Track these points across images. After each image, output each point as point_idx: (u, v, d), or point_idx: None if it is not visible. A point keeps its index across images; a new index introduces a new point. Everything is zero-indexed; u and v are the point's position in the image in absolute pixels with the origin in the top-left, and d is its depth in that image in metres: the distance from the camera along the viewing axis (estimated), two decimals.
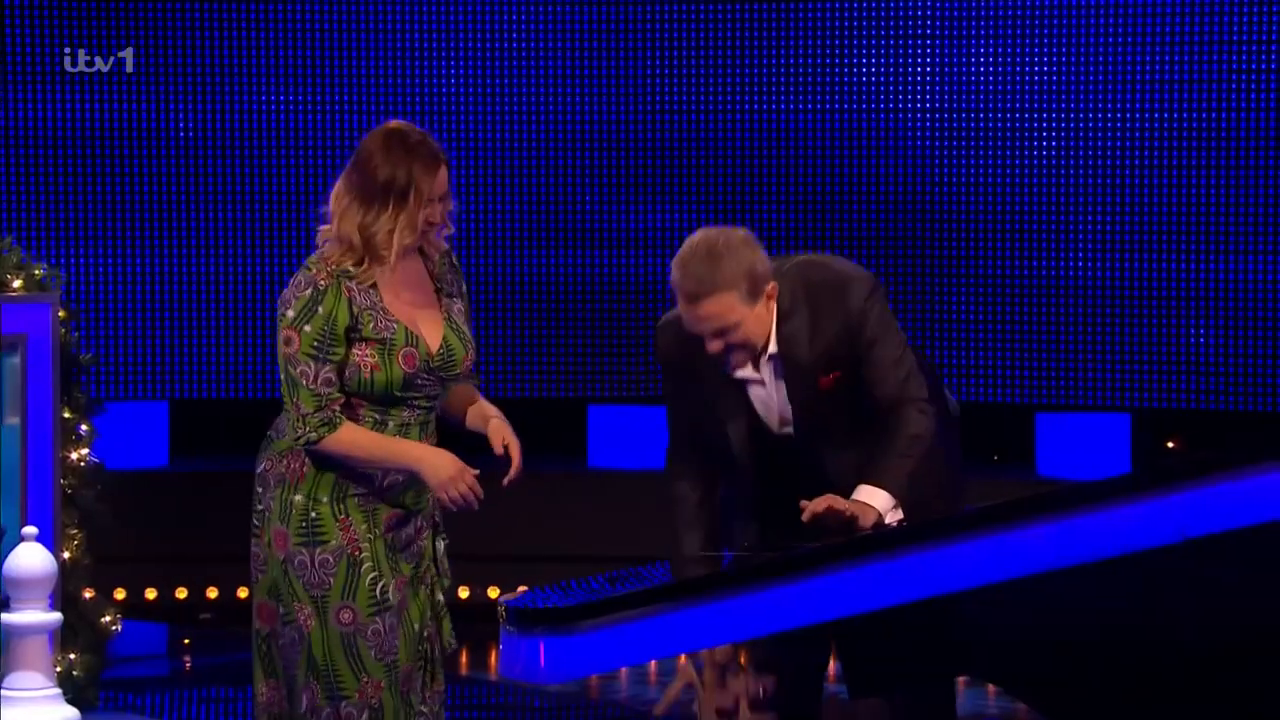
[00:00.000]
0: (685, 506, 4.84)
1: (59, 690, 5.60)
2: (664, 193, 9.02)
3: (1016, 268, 8.78)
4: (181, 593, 8.90)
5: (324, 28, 8.94)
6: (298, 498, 4.61)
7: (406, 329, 4.58)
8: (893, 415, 4.75)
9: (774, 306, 4.71)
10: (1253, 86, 8.46)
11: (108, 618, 6.73)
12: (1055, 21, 8.67)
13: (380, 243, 4.53)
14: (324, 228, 4.63)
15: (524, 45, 8.98)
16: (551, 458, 9.03)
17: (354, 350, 4.55)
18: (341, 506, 4.60)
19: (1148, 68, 8.59)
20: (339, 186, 4.61)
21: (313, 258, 4.62)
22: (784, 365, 4.76)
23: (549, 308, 9.08)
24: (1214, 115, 8.53)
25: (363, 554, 4.59)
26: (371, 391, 4.57)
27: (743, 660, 4.77)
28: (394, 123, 4.63)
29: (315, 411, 4.53)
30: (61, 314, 6.57)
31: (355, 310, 4.54)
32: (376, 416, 4.60)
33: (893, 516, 4.69)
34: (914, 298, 8.78)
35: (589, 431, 9.19)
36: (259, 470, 4.70)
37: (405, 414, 4.61)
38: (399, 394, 4.58)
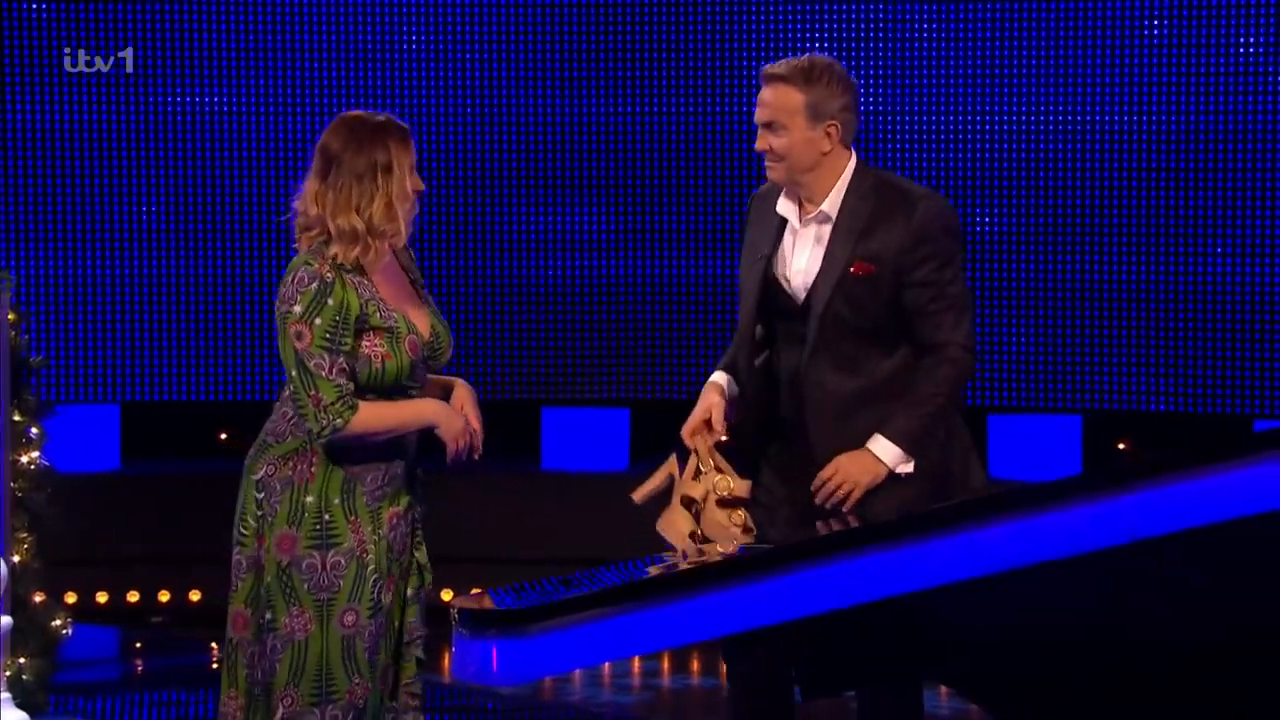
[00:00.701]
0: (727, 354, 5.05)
1: (8, 694, 5.58)
2: (610, 198, 9.02)
3: (966, 272, 8.81)
4: (133, 596, 8.87)
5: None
6: (309, 499, 4.64)
7: (403, 317, 4.66)
8: (930, 357, 4.81)
9: (829, 150, 4.84)
10: (1202, 89, 8.50)
11: (58, 621, 6.70)
12: (1016, 24, 8.70)
13: (380, 219, 4.59)
14: (310, 233, 4.65)
15: (499, 51, 8.99)
16: (506, 460, 9.03)
17: (361, 342, 4.60)
18: (352, 507, 4.64)
19: (1099, 71, 8.63)
20: (312, 188, 4.63)
21: (306, 255, 4.63)
22: (833, 230, 4.85)
23: (501, 310, 9.07)
24: (1160, 119, 8.57)
25: (369, 556, 4.65)
26: (382, 381, 4.63)
27: (719, 461, 4.78)
28: (348, 113, 4.69)
29: (336, 400, 4.57)
30: (11, 316, 6.53)
31: (361, 301, 4.60)
32: None
33: (904, 468, 4.76)
34: None
35: (542, 434, 9.19)
36: (258, 477, 4.71)
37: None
38: (405, 381, 4.65)
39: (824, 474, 4.77)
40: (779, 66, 4.87)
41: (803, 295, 4.86)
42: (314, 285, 4.58)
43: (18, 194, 8.87)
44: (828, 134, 4.85)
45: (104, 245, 8.95)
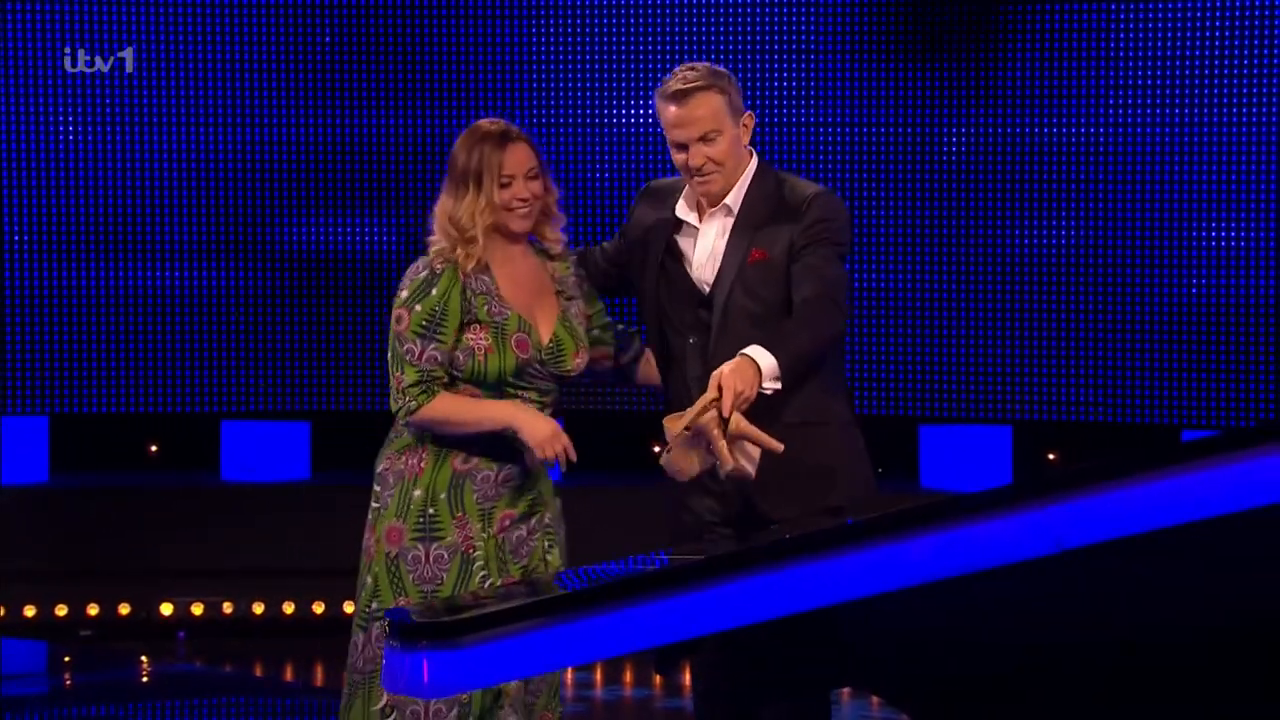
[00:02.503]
0: None
1: None
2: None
3: (897, 282, 8.84)
4: (61, 610, 8.81)
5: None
6: (417, 493, 4.76)
7: (520, 316, 4.78)
8: (801, 303, 4.81)
9: (746, 144, 4.90)
10: (1125, 100, 8.56)
11: None
12: (965, 39, 8.75)
13: (466, 225, 4.75)
14: (432, 238, 4.84)
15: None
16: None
17: (467, 334, 4.74)
18: (459, 503, 4.76)
19: (1030, 86, 8.68)
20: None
21: (430, 251, 4.81)
22: (734, 223, 4.90)
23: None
24: (1082, 133, 8.62)
25: (476, 552, 4.76)
26: (484, 376, 4.75)
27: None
28: (480, 119, 4.89)
29: (415, 384, 4.71)
30: None
31: (469, 294, 4.74)
32: None
33: (771, 386, 4.71)
34: None
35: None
36: (378, 470, 4.85)
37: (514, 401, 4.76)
38: (511, 380, 4.76)
39: (712, 387, 4.59)
40: (685, 81, 4.85)
41: (706, 287, 4.90)
42: (423, 274, 4.77)
43: None
44: (745, 127, 4.91)
45: (34, 255, 8.89)
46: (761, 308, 4.86)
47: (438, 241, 4.81)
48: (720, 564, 3.62)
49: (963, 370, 8.82)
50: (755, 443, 4.58)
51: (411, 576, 4.75)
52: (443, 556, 4.75)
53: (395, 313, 4.76)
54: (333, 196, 8.96)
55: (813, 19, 8.81)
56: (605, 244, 5.22)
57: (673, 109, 4.86)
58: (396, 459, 4.82)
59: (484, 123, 4.85)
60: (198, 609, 8.83)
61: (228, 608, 8.86)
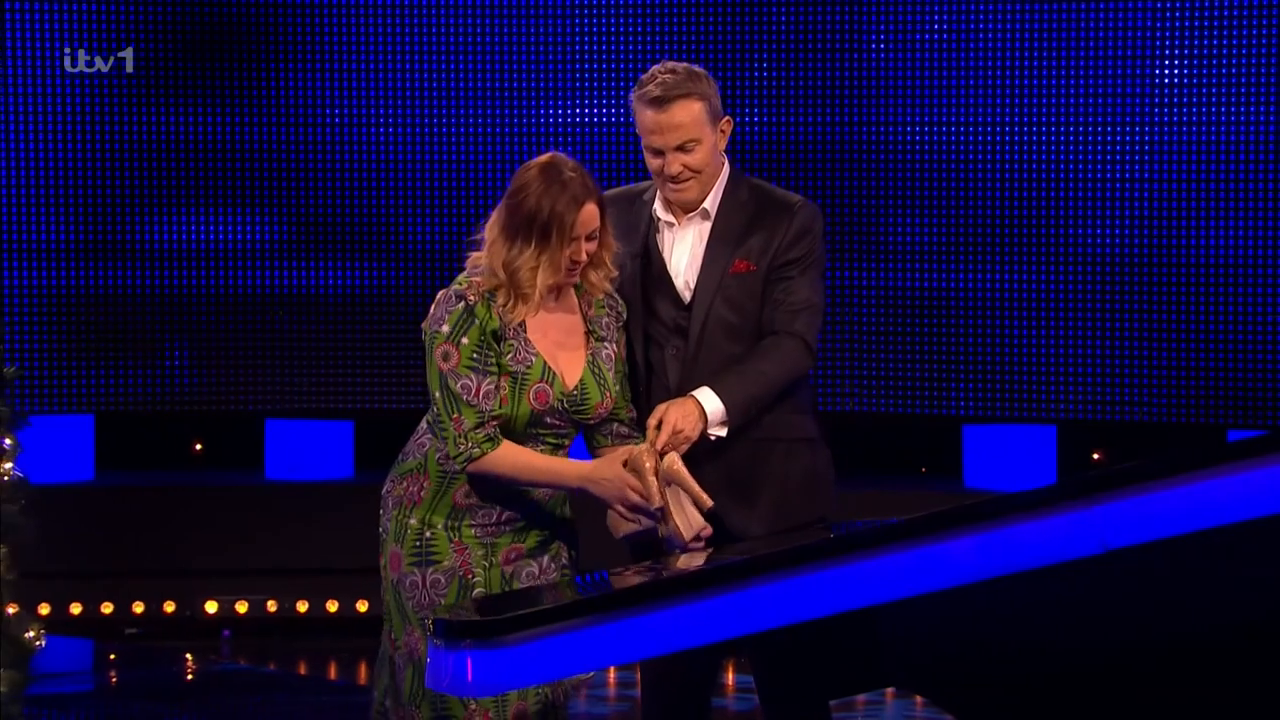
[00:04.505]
0: None
1: None
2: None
3: (942, 282, 8.82)
4: (107, 608, 8.84)
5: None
6: (412, 520, 4.54)
7: (545, 364, 4.50)
8: (772, 339, 4.78)
9: (722, 149, 4.80)
10: (1176, 99, 8.53)
11: (31, 633, 6.67)
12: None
13: (524, 280, 4.45)
14: (475, 254, 4.55)
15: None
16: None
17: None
18: (456, 533, 4.53)
19: (1046, 79, 8.65)
20: (493, 215, 4.53)
21: (461, 278, 4.53)
22: (712, 229, 4.82)
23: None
24: (1126, 127, 8.59)
25: (475, 577, 4.52)
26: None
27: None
28: (550, 154, 4.54)
29: (477, 427, 4.44)
30: None
31: (501, 332, 4.47)
32: None
33: (716, 431, 4.68)
34: (842, 312, 8.81)
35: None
36: (383, 492, 4.65)
37: (523, 442, 4.52)
38: (522, 429, 4.50)
39: (653, 421, 4.60)
40: (664, 86, 4.72)
41: (687, 293, 4.84)
42: (460, 305, 4.46)
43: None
44: (723, 132, 4.82)
45: (82, 254, 8.92)
46: (740, 319, 4.81)
47: (481, 276, 4.50)
48: (765, 563, 3.62)
49: (1007, 369, 8.79)
50: (684, 489, 4.48)
51: (411, 604, 4.53)
52: (439, 581, 4.52)
53: (440, 349, 4.44)
54: (367, 194, 8.97)
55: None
56: None
57: (650, 114, 4.72)
58: (399, 483, 4.60)
59: (565, 166, 4.47)
60: (242, 607, 8.86)
61: (272, 606, 8.89)
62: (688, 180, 4.77)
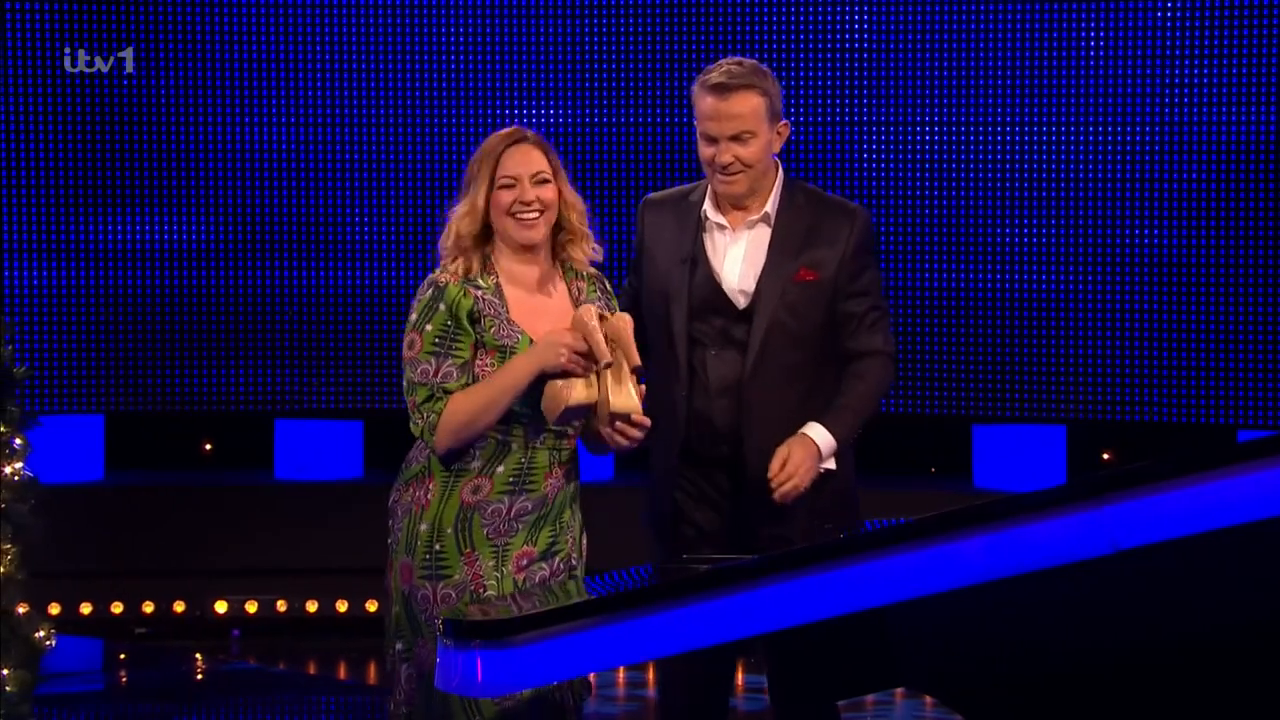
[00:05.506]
0: None
1: None
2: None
3: (952, 282, 8.82)
4: (117, 607, 8.85)
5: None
6: (423, 527, 4.47)
7: (530, 340, 4.45)
8: (862, 361, 4.80)
9: (776, 152, 4.78)
10: (1182, 99, 8.52)
11: (41, 633, 6.68)
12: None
13: (463, 230, 4.47)
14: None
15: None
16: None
17: (477, 358, 4.45)
18: (467, 539, 4.46)
19: (1046, 79, 8.65)
20: None
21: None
22: (773, 237, 4.80)
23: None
24: (1128, 128, 8.58)
25: (487, 591, 4.44)
26: None
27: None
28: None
29: (427, 400, 4.42)
30: None
31: (477, 311, 4.44)
32: (499, 436, 4.47)
33: (828, 465, 4.73)
34: None
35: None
36: (390, 503, 4.59)
37: (527, 431, 4.48)
38: (515, 408, 4.44)
39: (776, 464, 4.66)
40: (727, 74, 4.74)
41: (741, 300, 4.81)
42: (429, 291, 4.49)
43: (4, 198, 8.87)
44: (779, 134, 4.81)
45: (92, 254, 8.93)
46: (800, 326, 4.79)
47: (447, 254, 4.53)
48: (775, 564, 3.61)
49: (1017, 370, 8.78)
50: (626, 355, 4.37)
51: (423, 616, 4.45)
52: (450, 596, 4.43)
53: (407, 338, 4.47)
54: (376, 195, 8.98)
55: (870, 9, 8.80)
56: (627, 283, 5.03)
57: (710, 100, 4.74)
58: (404, 490, 4.53)
59: (500, 130, 4.55)
60: (252, 607, 8.86)
61: (281, 606, 8.89)
62: (738, 173, 4.76)
